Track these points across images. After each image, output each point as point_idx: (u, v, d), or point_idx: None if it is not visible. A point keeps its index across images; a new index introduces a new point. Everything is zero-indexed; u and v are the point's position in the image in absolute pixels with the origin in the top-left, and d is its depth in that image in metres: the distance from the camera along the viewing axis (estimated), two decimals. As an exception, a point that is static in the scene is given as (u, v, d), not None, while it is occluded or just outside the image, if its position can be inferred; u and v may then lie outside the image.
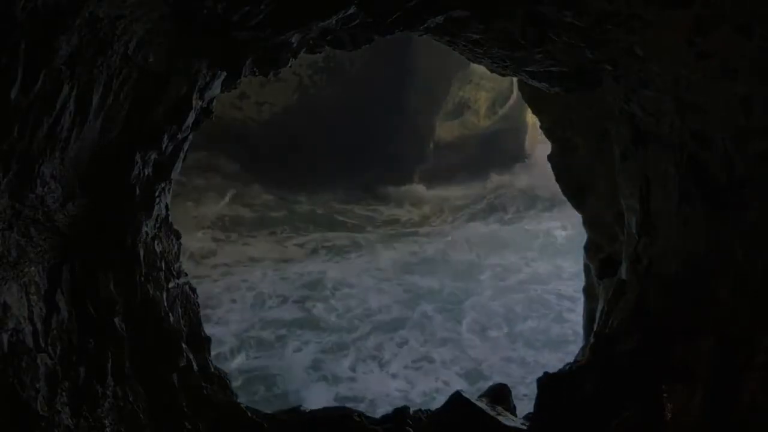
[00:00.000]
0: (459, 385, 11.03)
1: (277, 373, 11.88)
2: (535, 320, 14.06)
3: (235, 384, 10.85)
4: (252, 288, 15.17)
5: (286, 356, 12.53)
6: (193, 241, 16.32)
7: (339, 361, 12.36)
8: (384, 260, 17.00)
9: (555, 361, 11.07)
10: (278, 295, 14.88)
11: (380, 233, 18.71)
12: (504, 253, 17.50)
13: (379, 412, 6.99)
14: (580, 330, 7.57)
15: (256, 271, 16.02)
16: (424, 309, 14.49)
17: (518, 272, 16.42)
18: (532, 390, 5.26)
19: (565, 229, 17.86)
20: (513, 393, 5.99)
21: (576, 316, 7.66)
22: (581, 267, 7.15)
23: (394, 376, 12.00)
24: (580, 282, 7.27)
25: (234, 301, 14.52)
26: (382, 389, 11.50)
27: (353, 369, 12.14)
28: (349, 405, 7.32)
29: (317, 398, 10.62)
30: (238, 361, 12.12)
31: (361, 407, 8.07)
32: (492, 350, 12.90)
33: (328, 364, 12.25)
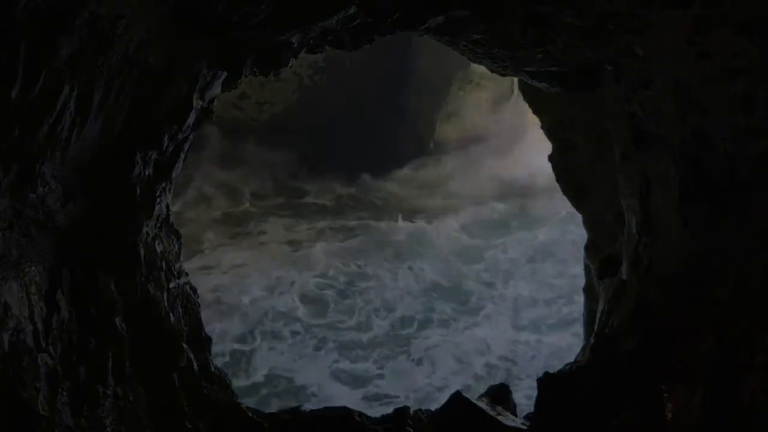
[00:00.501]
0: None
1: (296, 367, 12.27)
2: (542, 305, 14.49)
3: (258, 381, 11.38)
4: (264, 279, 15.47)
5: (304, 350, 12.85)
6: (203, 235, 16.68)
7: (359, 354, 12.75)
8: (394, 247, 17.35)
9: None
10: (291, 286, 15.20)
11: (387, 221, 18.96)
12: (510, 234, 17.93)
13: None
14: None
15: (267, 261, 16.37)
16: (435, 295, 14.89)
17: (524, 251, 16.91)
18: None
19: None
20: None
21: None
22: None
23: (418, 362, 12.52)
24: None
25: (245, 292, 14.79)
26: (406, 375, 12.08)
27: (377, 363, 12.55)
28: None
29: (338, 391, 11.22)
30: (258, 356, 12.44)
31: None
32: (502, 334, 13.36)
33: (349, 360, 12.63)
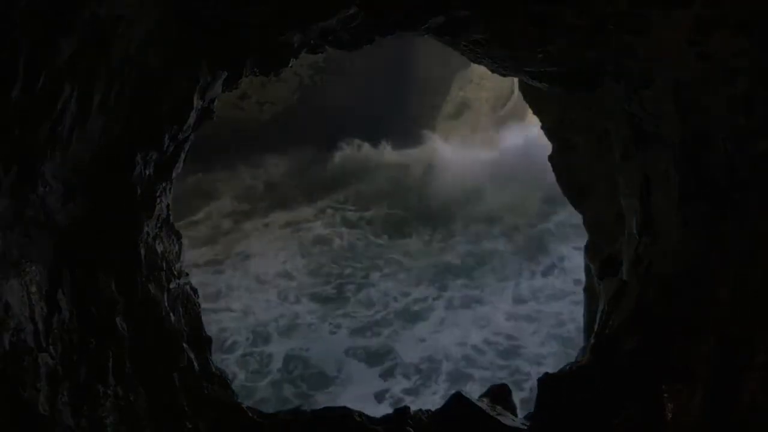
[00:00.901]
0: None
1: (315, 352, 12.80)
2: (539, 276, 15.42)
3: (276, 366, 11.95)
4: (272, 273, 15.87)
5: (322, 338, 13.29)
6: (212, 232, 17.24)
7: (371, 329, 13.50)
8: (399, 243, 17.68)
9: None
10: (299, 283, 15.55)
11: (390, 217, 19.29)
12: (514, 210, 18.63)
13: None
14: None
15: (274, 255, 16.83)
16: (447, 274, 15.72)
17: (530, 227, 17.85)
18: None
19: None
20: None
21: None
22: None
23: (423, 340, 13.21)
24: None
25: (250, 289, 15.07)
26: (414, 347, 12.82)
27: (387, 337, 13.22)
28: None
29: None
30: (272, 347, 12.79)
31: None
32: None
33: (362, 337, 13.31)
